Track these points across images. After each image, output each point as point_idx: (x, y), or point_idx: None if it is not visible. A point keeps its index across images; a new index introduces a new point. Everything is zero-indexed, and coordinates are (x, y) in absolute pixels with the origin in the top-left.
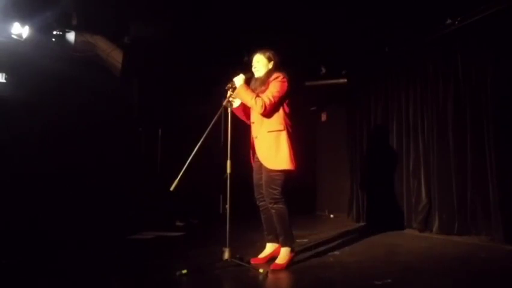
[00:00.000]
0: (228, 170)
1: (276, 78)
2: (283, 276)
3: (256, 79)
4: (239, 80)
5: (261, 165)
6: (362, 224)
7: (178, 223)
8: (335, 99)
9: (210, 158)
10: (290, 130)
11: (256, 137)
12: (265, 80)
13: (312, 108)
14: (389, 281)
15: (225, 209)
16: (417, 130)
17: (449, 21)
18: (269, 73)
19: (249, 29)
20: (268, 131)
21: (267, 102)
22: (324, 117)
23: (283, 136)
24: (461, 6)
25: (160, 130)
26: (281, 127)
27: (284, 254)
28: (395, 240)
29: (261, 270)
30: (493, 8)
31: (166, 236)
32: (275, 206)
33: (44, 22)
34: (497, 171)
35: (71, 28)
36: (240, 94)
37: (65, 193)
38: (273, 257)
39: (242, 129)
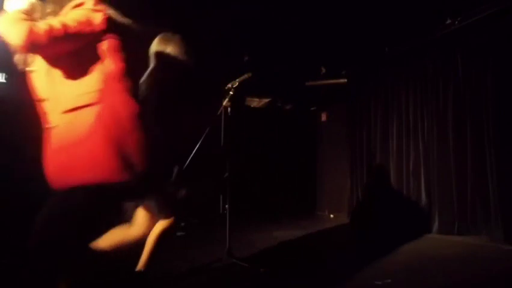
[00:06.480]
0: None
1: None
2: (283, 277)
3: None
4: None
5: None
6: (361, 224)
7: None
8: (335, 99)
9: (210, 158)
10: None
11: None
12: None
13: (312, 108)
14: (389, 281)
15: (225, 209)
16: (417, 130)
17: (449, 21)
18: None
19: (249, 28)
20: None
21: (44, 28)
22: (324, 117)
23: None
24: (461, 6)
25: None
26: (92, 97)
27: None
28: (395, 240)
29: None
30: (493, 8)
31: None
32: None
33: None
34: (497, 172)
35: None
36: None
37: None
38: None
39: (242, 129)
